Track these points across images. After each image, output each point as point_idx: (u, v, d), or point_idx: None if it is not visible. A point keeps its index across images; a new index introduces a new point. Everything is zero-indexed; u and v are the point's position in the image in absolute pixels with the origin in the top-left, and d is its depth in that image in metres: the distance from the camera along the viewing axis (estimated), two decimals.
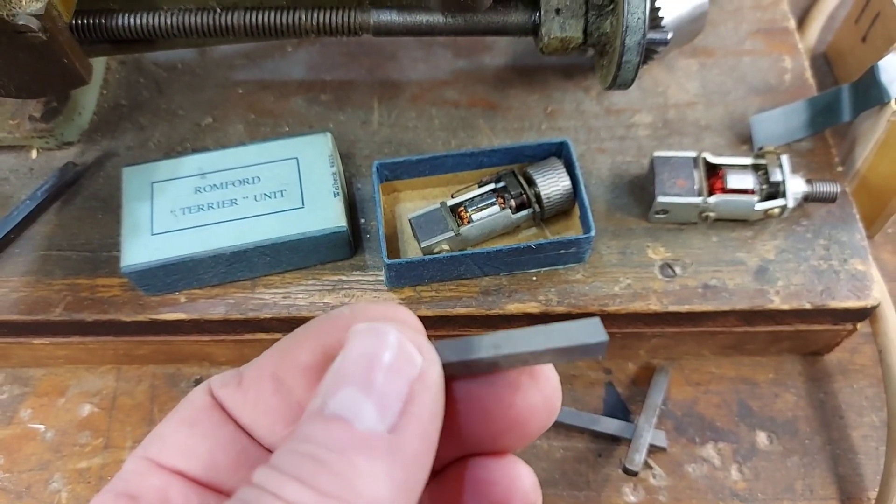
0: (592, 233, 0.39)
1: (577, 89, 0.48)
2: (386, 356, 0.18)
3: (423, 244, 0.40)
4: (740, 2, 0.52)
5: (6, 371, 0.46)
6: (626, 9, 0.34)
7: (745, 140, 0.46)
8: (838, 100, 0.45)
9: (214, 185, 0.41)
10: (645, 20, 0.35)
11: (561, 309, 0.41)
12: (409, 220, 0.41)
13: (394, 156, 0.45)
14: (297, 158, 0.42)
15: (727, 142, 0.46)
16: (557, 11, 0.37)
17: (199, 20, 0.37)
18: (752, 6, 0.52)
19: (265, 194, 0.41)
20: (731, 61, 0.50)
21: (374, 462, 0.17)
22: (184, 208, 0.40)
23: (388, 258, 0.39)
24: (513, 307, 0.41)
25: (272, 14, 0.38)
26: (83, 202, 0.45)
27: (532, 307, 0.41)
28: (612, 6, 0.36)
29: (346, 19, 0.38)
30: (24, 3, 0.33)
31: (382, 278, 0.42)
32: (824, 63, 0.56)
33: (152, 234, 0.40)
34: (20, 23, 0.33)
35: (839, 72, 0.56)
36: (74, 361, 0.46)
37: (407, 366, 0.19)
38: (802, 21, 0.58)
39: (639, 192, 0.45)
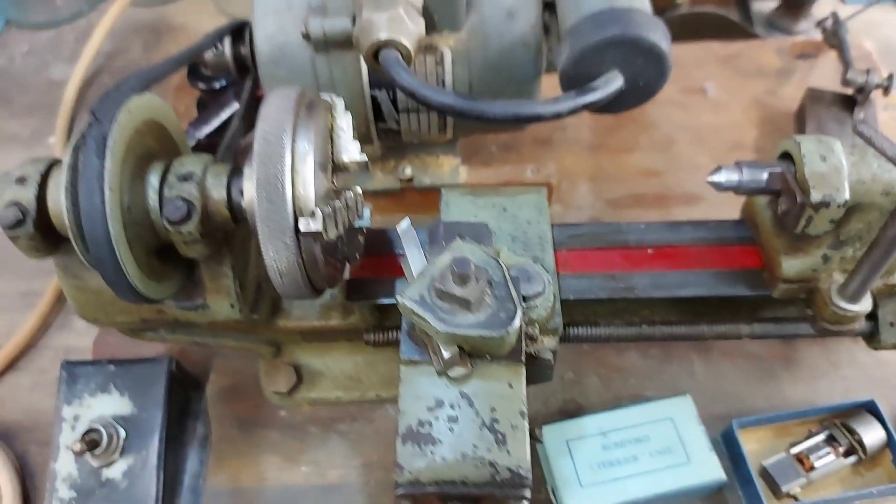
0: None
1: (849, 342, 0.62)
2: None
3: (785, 489, 0.53)
4: None
5: None
6: None
7: None
8: None
9: (616, 443, 0.54)
10: None
11: None
12: (764, 465, 0.54)
13: (719, 404, 0.58)
14: (671, 419, 0.55)
15: None
16: (891, 324, 0.51)
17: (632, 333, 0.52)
18: None
19: (657, 451, 0.54)
20: None
21: None
22: (600, 463, 0.54)
23: None
24: None
25: (680, 328, 0.52)
26: None
27: None
28: None
29: (732, 329, 0.52)
30: (544, 342, 0.47)
31: None
32: None
33: (581, 486, 0.53)
34: (544, 357, 0.47)
35: None
36: None
37: None
38: None
39: None
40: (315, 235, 0.41)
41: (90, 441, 0.54)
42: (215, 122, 0.74)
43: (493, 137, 0.76)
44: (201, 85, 0.78)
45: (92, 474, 0.55)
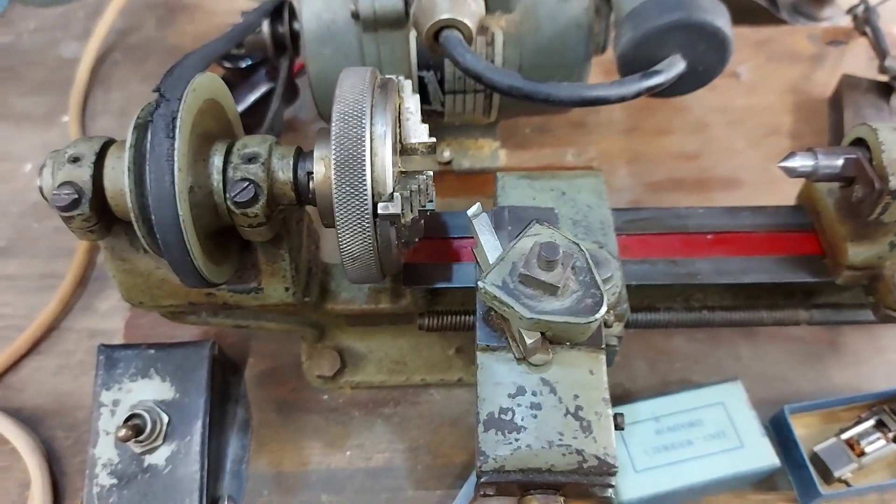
0: None
1: (894, 328, 0.62)
2: None
3: (837, 473, 0.53)
4: None
5: None
6: None
7: None
8: None
9: (670, 427, 0.54)
10: None
11: None
12: (815, 451, 0.54)
13: (766, 389, 0.58)
14: (723, 404, 0.55)
15: None
16: None
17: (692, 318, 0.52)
18: None
19: (711, 435, 0.54)
20: None
21: None
22: (655, 448, 0.53)
23: (823, 489, 0.52)
24: None
25: (739, 314, 0.52)
26: None
27: None
28: None
29: (791, 315, 0.52)
30: (612, 328, 0.47)
31: (794, 498, 0.55)
32: None
33: (635, 472, 0.53)
34: (610, 343, 0.47)
35: None
36: None
37: None
38: None
39: None
40: (392, 219, 0.40)
41: (134, 427, 0.53)
42: (247, 101, 0.72)
43: (526, 120, 0.75)
44: (227, 64, 0.76)
45: (134, 460, 0.54)
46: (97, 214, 0.44)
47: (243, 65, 0.75)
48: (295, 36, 0.65)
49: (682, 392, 0.56)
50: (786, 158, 0.46)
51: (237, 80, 0.76)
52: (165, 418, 0.54)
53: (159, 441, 0.54)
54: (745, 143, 0.73)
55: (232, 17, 0.80)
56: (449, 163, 0.69)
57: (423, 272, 0.52)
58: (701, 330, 0.62)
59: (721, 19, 0.49)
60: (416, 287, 0.53)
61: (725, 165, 0.72)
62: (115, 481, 0.53)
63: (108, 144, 0.45)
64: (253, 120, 0.70)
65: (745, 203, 0.56)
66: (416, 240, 0.50)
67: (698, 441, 0.54)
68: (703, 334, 0.62)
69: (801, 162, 0.45)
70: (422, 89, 0.60)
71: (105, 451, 0.54)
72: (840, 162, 0.45)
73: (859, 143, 0.46)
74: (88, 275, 0.70)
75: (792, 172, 0.46)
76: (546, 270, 0.38)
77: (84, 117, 0.82)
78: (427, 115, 0.64)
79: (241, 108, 0.72)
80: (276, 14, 0.65)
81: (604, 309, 0.38)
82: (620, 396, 0.59)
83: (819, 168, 0.45)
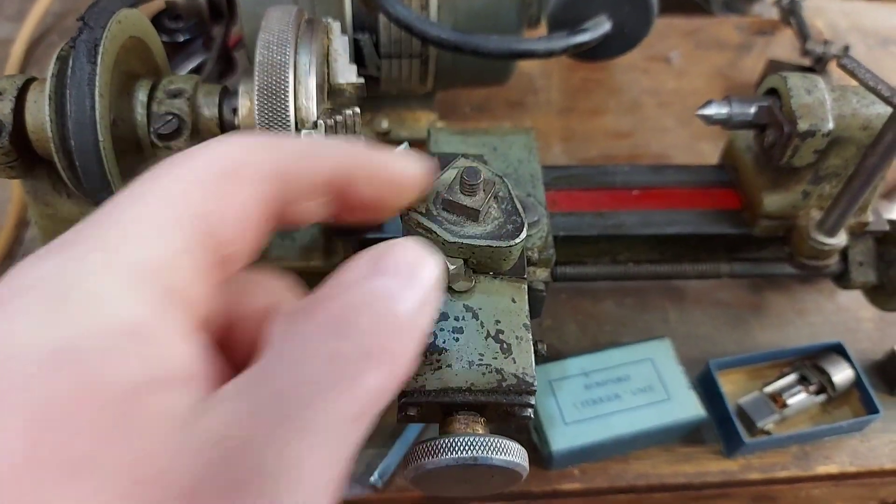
0: (881, 413, 0.55)
1: (814, 292, 0.65)
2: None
3: (759, 424, 0.55)
4: None
5: None
6: None
7: None
8: None
9: (598, 382, 0.55)
10: None
11: (853, 469, 0.55)
12: (739, 404, 0.56)
13: (693, 349, 0.60)
14: (651, 360, 0.56)
15: None
16: (860, 264, 0.53)
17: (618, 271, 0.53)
18: None
19: (639, 389, 0.55)
20: None
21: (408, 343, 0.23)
22: (583, 401, 0.54)
23: (746, 438, 0.53)
24: (822, 468, 0.55)
25: (664, 266, 0.53)
26: None
27: (832, 468, 0.55)
28: None
29: (713, 268, 0.53)
30: (537, 273, 0.48)
31: (720, 451, 0.56)
32: None
33: (565, 424, 0.53)
34: (537, 288, 0.47)
35: None
36: None
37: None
38: None
39: (875, 374, 0.60)
40: None
41: None
42: (183, 72, 0.72)
43: (466, 98, 0.76)
44: (164, 38, 0.75)
45: None
46: (17, 150, 0.43)
47: (181, 38, 0.75)
48: (231, 1, 0.65)
49: (612, 349, 0.57)
50: (703, 106, 0.48)
51: (174, 53, 0.75)
52: None
53: None
54: (675, 122, 0.76)
55: None
56: (387, 133, 0.69)
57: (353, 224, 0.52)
58: (629, 294, 0.63)
59: None
60: (346, 237, 0.52)
61: (656, 143, 0.74)
62: None
63: (31, 80, 0.44)
64: None
65: None
66: None
67: (626, 395, 0.55)
68: (631, 299, 0.63)
69: (717, 109, 0.47)
70: (358, 53, 0.60)
71: None
72: (753, 109, 0.47)
73: (772, 93, 0.48)
74: (15, 251, 0.68)
75: (708, 119, 0.47)
76: (468, 195, 0.38)
77: None
78: (365, 81, 0.64)
79: None
80: None
81: (524, 234, 0.38)
82: (552, 357, 0.59)
83: (733, 115, 0.47)
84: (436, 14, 0.58)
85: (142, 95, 0.43)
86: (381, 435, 0.56)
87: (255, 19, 0.57)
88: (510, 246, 0.38)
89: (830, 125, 0.45)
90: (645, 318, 0.63)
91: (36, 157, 0.44)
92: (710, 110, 0.47)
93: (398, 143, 0.69)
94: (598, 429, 0.53)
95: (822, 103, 0.45)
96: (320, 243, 0.54)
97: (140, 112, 0.43)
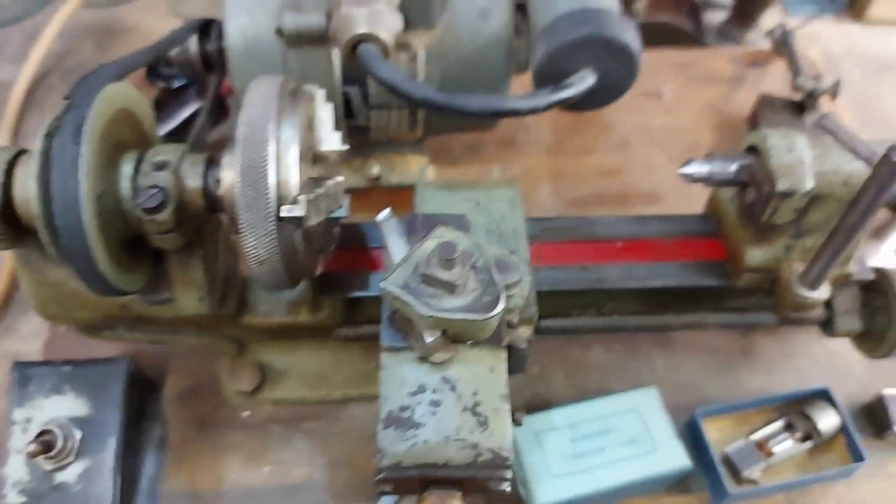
0: (865, 460, 0.55)
1: (803, 335, 0.65)
2: None
3: (745, 473, 0.55)
4: None
5: None
6: None
7: None
8: None
9: (585, 434, 0.55)
10: None
11: None
12: (725, 452, 0.56)
13: (678, 394, 0.60)
14: (637, 410, 0.57)
15: None
16: (845, 312, 0.54)
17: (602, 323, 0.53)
18: None
19: (625, 441, 0.55)
20: None
21: None
22: (570, 454, 0.54)
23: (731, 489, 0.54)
24: None
25: (648, 318, 0.53)
26: None
27: None
28: (884, 310, 0.53)
29: (697, 319, 0.54)
30: (520, 331, 0.48)
31: (707, 500, 0.56)
32: None
33: (552, 477, 0.53)
34: (519, 346, 0.48)
35: None
36: None
37: None
38: None
39: (863, 418, 0.60)
40: (297, 221, 0.41)
41: (45, 443, 0.52)
42: (177, 120, 0.73)
43: (458, 139, 0.77)
44: (160, 83, 0.76)
45: (44, 478, 0.53)
46: (6, 222, 0.44)
47: (176, 84, 0.76)
48: (223, 54, 0.65)
49: (598, 399, 0.57)
50: (684, 165, 0.48)
51: (169, 100, 0.77)
52: (78, 434, 0.53)
53: (71, 457, 0.53)
54: (666, 159, 0.76)
55: None
56: (378, 178, 0.70)
57: (340, 281, 0.53)
58: (618, 341, 0.63)
59: (628, 35, 0.52)
60: (333, 296, 0.53)
61: (646, 181, 0.74)
62: (24, 500, 0.52)
63: (20, 153, 0.45)
64: (183, 139, 0.71)
65: None
66: (332, 248, 0.50)
67: (613, 447, 0.55)
68: (619, 345, 0.63)
69: (698, 168, 0.47)
70: (347, 104, 0.61)
71: (15, 470, 0.53)
72: (733, 167, 0.48)
73: (753, 150, 0.49)
74: (12, 296, 0.69)
75: (689, 178, 0.48)
76: (445, 269, 0.39)
77: (17, 140, 0.82)
78: (354, 131, 0.65)
79: (171, 125, 0.72)
80: (205, 32, 0.66)
81: (501, 306, 0.39)
82: (539, 406, 0.59)
83: (714, 174, 0.47)
84: (424, 65, 0.59)
85: (127, 169, 0.44)
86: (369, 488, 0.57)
87: (244, 75, 0.59)
88: (487, 319, 0.39)
89: (810, 185, 0.46)
90: (633, 364, 0.63)
91: (24, 228, 0.45)
92: (691, 169, 0.47)
93: (389, 188, 0.70)
94: (584, 482, 0.53)
95: (802, 162, 0.46)
96: (308, 299, 0.55)
97: (126, 185, 0.43)
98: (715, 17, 0.96)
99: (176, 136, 0.73)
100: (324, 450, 0.59)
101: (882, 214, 0.58)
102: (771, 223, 0.48)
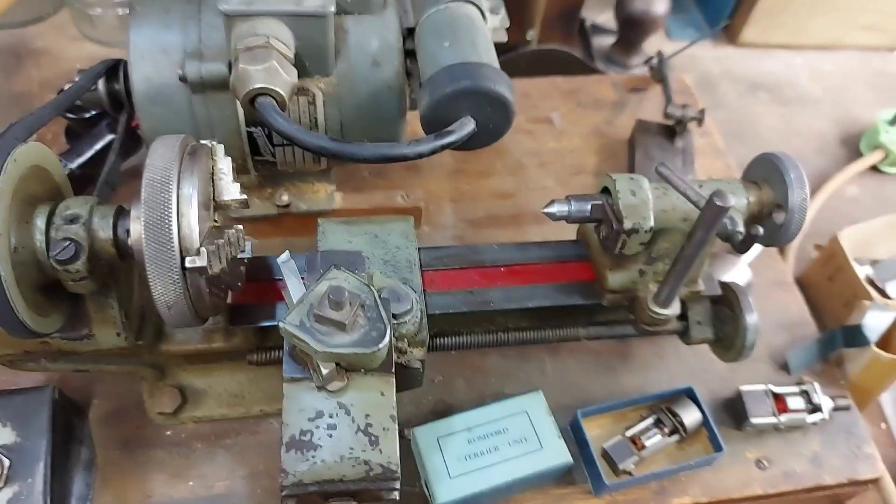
0: (724, 450, 0.63)
1: (674, 338, 0.73)
2: None
3: (621, 466, 0.62)
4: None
5: None
6: (744, 324, 0.60)
7: (783, 366, 0.72)
8: (834, 338, 0.72)
9: (480, 436, 0.62)
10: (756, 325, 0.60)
11: (705, 500, 0.64)
12: (604, 447, 0.63)
13: (565, 395, 0.67)
14: (526, 412, 0.63)
15: (773, 369, 0.72)
16: (699, 323, 0.62)
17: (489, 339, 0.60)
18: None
19: (515, 440, 0.62)
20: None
21: None
22: (466, 455, 0.61)
23: (607, 480, 0.61)
24: (677, 500, 0.63)
25: (530, 333, 0.60)
26: None
27: (686, 500, 0.64)
28: (731, 320, 0.61)
29: (572, 332, 0.61)
30: (413, 353, 0.54)
31: (589, 490, 0.63)
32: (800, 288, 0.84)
33: (450, 478, 0.60)
34: (413, 366, 0.54)
35: (814, 296, 0.83)
36: None
37: None
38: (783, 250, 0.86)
39: (725, 411, 0.69)
40: (200, 271, 0.45)
41: None
42: (89, 153, 0.76)
43: (364, 165, 0.82)
44: (70, 115, 0.79)
45: None
46: None
47: (87, 115, 0.78)
48: (130, 93, 0.69)
49: (492, 403, 0.64)
50: (547, 206, 0.55)
51: (82, 130, 0.79)
52: (6, 462, 0.57)
53: (0, 484, 0.56)
54: (554, 181, 0.83)
55: (80, 63, 0.83)
56: (287, 206, 0.74)
57: (249, 312, 0.58)
58: (512, 348, 0.70)
59: (502, 86, 0.58)
60: (244, 325, 0.58)
61: (537, 202, 0.81)
62: None
63: None
64: (96, 170, 0.73)
65: (553, 235, 0.66)
66: (239, 284, 0.55)
67: (504, 446, 0.61)
68: (513, 352, 0.70)
69: (559, 208, 0.54)
70: (252, 143, 0.66)
71: None
72: (588, 207, 0.55)
73: (606, 191, 0.56)
74: None
75: (553, 217, 0.55)
76: (335, 310, 0.44)
77: None
78: (264, 162, 0.70)
79: (82, 159, 0.75)
80: (112, 72, 0.69)
81: (386, 339, 0.45)
82: (443, 411, 0.66)
83: (572, 213, 0.54)
84: (322, 108, 0.64)
85: (40, 223, 0.47)
86: None
87: (152, 118, 0.63)
88: (374, 351, 0.45)
89: (651, 223, 0.53)
90: (526, 368, 0.70)
91: None
92: (553, 209, 0.54)
93: (298, 215, 0.75)
94: (479, 480, 0.60)
95: (645, 203, 0.53)
96: (221, 328, 0.59)
97: (39, 238, 0.47)
98: (604, 41, 1.03)
99: (89, 167, 0.76)
100: (244, 462, 0.64)
101: None
102: (622, 254, 0.55)
